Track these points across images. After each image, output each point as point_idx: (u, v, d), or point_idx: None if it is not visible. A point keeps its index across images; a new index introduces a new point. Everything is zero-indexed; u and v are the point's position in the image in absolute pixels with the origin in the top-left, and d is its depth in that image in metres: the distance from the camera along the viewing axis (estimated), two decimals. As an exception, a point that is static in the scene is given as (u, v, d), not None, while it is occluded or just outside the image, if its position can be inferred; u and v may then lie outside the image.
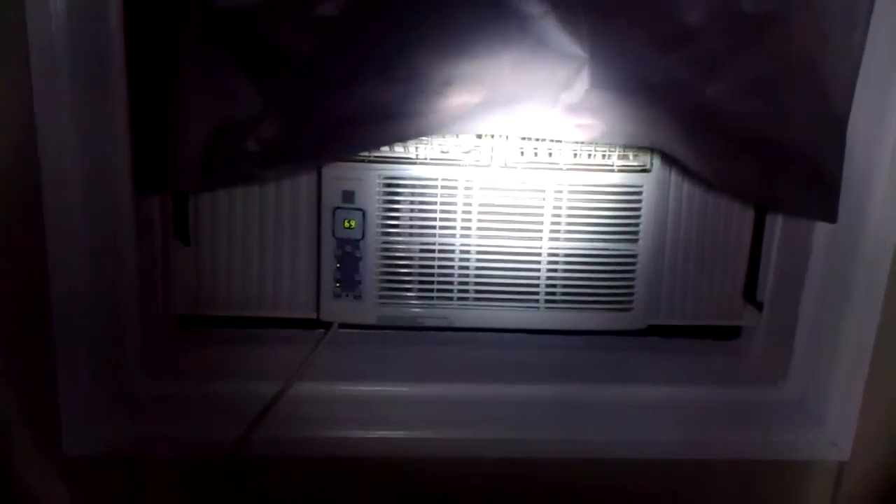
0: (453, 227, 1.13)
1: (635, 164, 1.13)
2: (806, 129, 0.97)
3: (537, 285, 1.15)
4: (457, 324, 1.17)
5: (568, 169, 1.12)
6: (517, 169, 1.12)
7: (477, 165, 1.12)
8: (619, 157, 1.12)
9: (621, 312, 1.18)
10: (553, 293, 1.16)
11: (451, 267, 1.14)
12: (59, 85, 0.87)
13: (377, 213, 1.12)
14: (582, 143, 1.10)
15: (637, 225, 1.14)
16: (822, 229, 1.06)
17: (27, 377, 0.95)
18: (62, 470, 1.00)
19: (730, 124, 0.97)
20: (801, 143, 0.98)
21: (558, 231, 1.14)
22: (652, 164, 1.13)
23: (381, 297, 1.15)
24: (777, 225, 1.18)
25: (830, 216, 1.01)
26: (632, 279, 1.16)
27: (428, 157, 1.11)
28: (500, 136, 1.11)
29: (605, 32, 0.93)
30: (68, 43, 0.86)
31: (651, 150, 1.12)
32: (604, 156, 1.12)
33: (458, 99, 0.95)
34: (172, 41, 0.92)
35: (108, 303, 0.99)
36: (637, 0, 0.93)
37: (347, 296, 1.15)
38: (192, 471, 1.04)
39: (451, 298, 1.15)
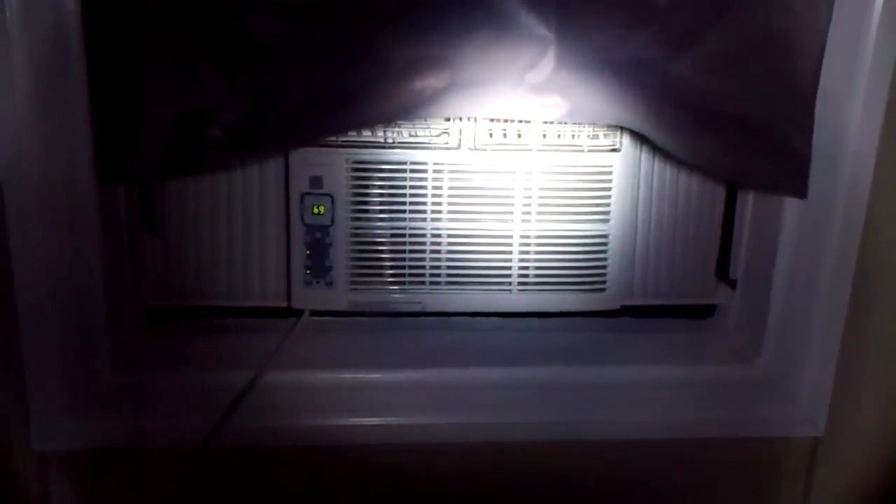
0: (424, 211, 1.12)
1: (604, 144, 1.12)
2: (774, 105, 0.97)
3: (509, 268, 1.15)
4: (429, 308, 1.17)
5: (537, 150, 1.12)
6: (486, 151, 1.11)
7: (446, 148, 1.11)
8: (589, 138, 1.12)
9: (594, 293, 1.17)
10: (525, 275, 1.15)
11: (423, 251, 1.14)
12: (14, 72, 0.85)
13: (346, 199, 1.11)
14: (549, 122, 1.10)
15: (608, 205, 1.14)
16: (792, 206, 1.06)
17: (-7, 373, 0.94)
18: (32, 466, 0.99)
19: (697, 101, 0.97)
20: (769, 118, 0.98)
21: (529, 213, 1.13)
22: (621, 143, 1.13)
23: (353, 283, 1.14)
24: (748, 202, 1.18)
25: (800, 192, 1.01)
26: (604, 260, 1.16)
27: (396, 140, 1.10)
28: (469, 118, 1.10)
29: (570, 12, 0.93)
30: (23, 28, 0.85)
31: (620, 129, 1.12)
32: (573, 136, 1.12)
33: (423, 82, 0.94)
34: (133, 26, 0.91)
35: (75, 295, 0.98)
36: (602, -22, 0.92)
37: (318, 282, 1.14)
38: (164, 463, 1.03)
39: (423, 283, 1.15)
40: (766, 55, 0.96)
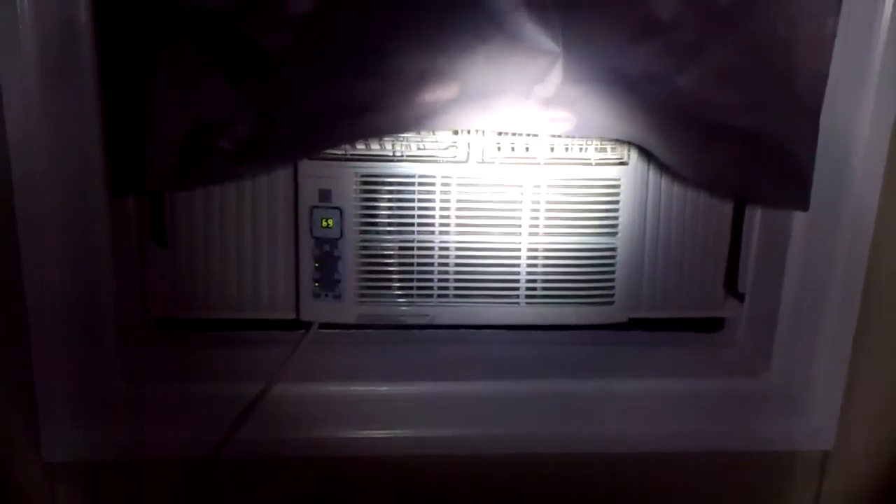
0: (432, 224, 1.13)
1: (612, 157, 1.13)
2: (778, 118, 0.97)
3: (517, 281, 1.15)
4: (438, 321, 1.16)
5: (545, 163, 1.12)
6: (494, 164, 1.12)
7: (454, 161, 1.11)
8: (597, 151, 1.12)
9: (602, 306, 1.17)
10: (533, 288, 1.15)
11: (431, 264, 1.14)
12: (28, 85, 0.86)
13: (355, 212, 1.11)
14: (557, 136, 1.10)
15: (616, 218, 1.14)
16: (800, 219, 1.07)
17: (3, 384, 0.94)
18: (40, 476, 0.99)
19: (702, 115, 0.97)
20: (772, 132, 0.98)
21: (537, 226, 1.13)
22: (629, 157, 1.13)
23: (361, 295, 1.14)
24: (756, 215, 1.18)
25: (802, 204, 1.01)
26: (612, 273, 1.16)
27: (405, 153, 1.11)
28: (477, 131, 1.10)
29: (577, 26, 0.93)
30: (37, 42, 0.86)
31: (628, 143, 1.12)
32: (581, 149, 1.12)
33: (431, 94, 0.95)
34: (145, 40, 0.91)
35: (85, 307, 0.99)
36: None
37: (327, 295, 1.14)
38: (172, 475, 1.03)
39: (431, 296, 1.15)
40: (771, 69, 0.96)
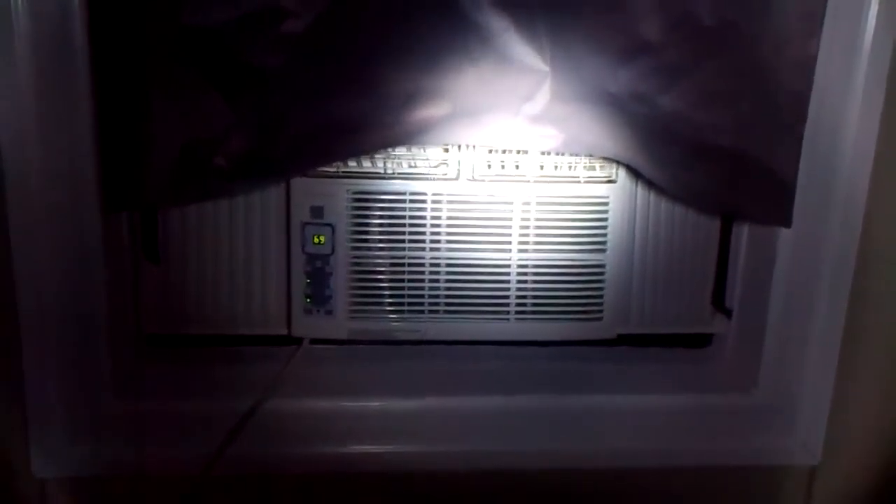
0: (423, 241, 1.14)
1: (601, 175, 1.14)
2: (761, 137, 0.99)
3: (507, 297, 1.16)
4: (428, 337, 1.17)
5: (535, 181, 1.13)
6: (485, 182, 1.13)
7: (445, 179, 1.13)
8: (586, 169, 1.13)
9: (591, 322, 1.18)
10: (523, 304, 1.16)
11: (422, 280, 1.15)
12: (23, 102, 0.87)
13: (347, 228, 1.12)
14: (545, 153, 1.11)
15: (604, 235, 1.15)
16: (786, 235, 1.07)
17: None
18: (33, 492, 0.99)
19: (687, 134, 0.99)
20: (756, 150, 0.99)
21: (527, 242, 1.14)
22: (617, 175, 1.14)
23: (353, 311, 1.15)
24: (743, 231, 1.19)
25: (785, 221, 1.03)
26: (601, 289, 1.17)
27: (396, 171, 1.12)
28: (467, 148, 1.12)
29: (565, 46, 0.95)
30: (32, 58, 0.87)
31: (616, 161, 1.13)
32: (570, 167, 1.13)
33: (422, 112, 0.96)
34: (140, 58, 0.93)
35: (78, 323, 0.99)
36: (596, 14, 0.94)
37: (318, 311, 1.15)
38: (164, 491, 1.03)
39: (422, 312, 1.16)
40: (755, 89, 0.98)
